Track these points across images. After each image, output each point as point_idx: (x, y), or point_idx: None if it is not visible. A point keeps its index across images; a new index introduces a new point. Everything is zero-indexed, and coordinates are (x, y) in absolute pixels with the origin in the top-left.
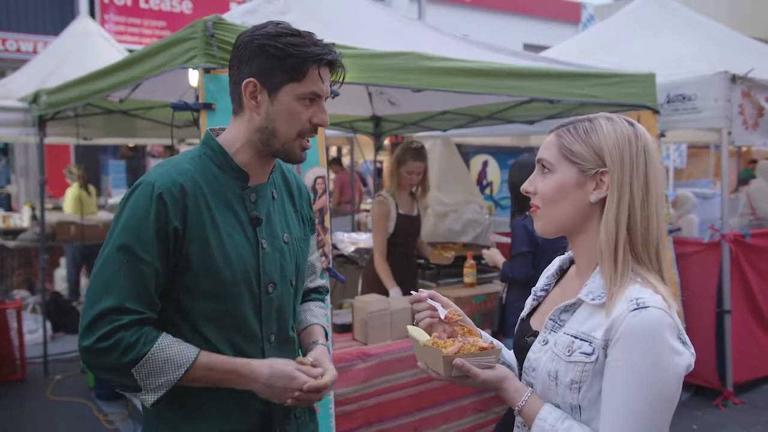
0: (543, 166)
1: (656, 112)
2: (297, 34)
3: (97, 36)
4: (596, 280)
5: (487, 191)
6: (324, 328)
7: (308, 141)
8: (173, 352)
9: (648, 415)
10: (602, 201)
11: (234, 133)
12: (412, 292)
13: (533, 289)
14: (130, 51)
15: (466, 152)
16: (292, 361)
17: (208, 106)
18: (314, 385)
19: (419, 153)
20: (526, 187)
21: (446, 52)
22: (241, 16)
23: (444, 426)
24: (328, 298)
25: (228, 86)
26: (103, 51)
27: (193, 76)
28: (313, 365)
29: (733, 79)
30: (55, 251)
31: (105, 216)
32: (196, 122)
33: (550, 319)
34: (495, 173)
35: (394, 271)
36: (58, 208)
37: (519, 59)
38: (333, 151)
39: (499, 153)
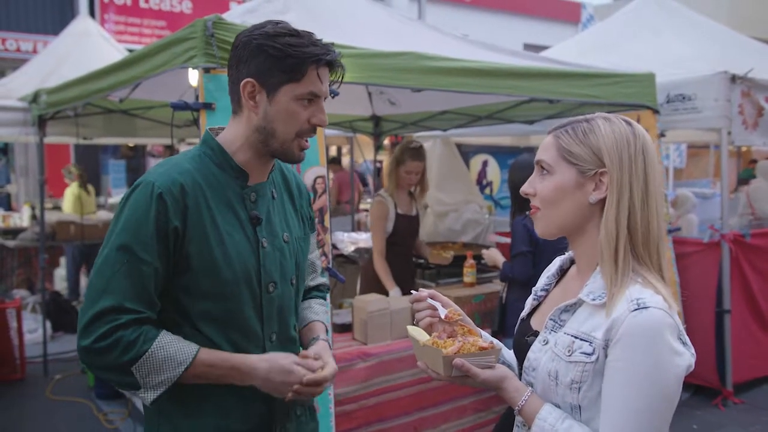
0: (542, 167)
1: (656, 112)
2: (295, 34)
3: (97, 36)
4: (597, 280)
5: (487, 191)
6: (325, 324)
7: (307, 141)
8: (173, 350)
9: (648, 415)
10: (602, 201)
11: (233, 132)
12: (412, 291)
13: (533, 288)
14: (130, 51)
15: (466, 152)
16: (291, 354)
17: (207, 106)
18: (314, 378)
19: (418, 153)
20: (525, 189)
21: (446, 51)
22: (240, 16)
23: (444, 425)
24: (328, 296)
25: (227, 86)
26: (102, 51)
27: (193, 76)
28: (315, 359)
29: (733, 79)
30: (54, 251)
31: (105, 215)
32: (195, 122)
33: (551, 319)
34: (495, 173)
35: (392, 270)
36: (57, 208)
37: (519, 59)
38: (333, 151)
39: (498, 153)
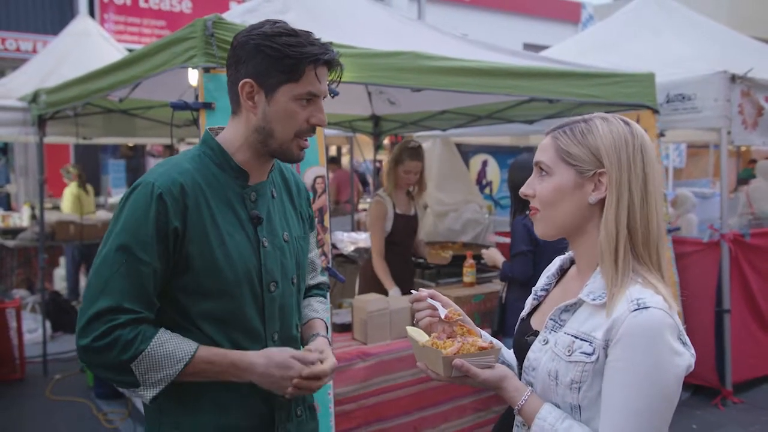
0: (541, 168)
1: (656, 111)
2: (293, 33)
3: (97, 35)
4: (597, 280)
5: (487, 191)
6: (325, 322)
7: (306, 140)
8: (172, 347)
9: (648, 416)
10: (601, 202)
11: (232, 132)
12: (412, 291)
13: (533, 288)
14: (130, 50)
15: (466, 152)
16: (288, 348)
17: (207, 106)
18: (313, 372)
19: (416, 152)
20: (524, 190)
21: (446, 51)
22: (240, 16)
23: (443, 425)
24: (328, 294)
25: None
26: (102, 50)
27: (193, 76)
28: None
29: (733, 78)
30: (54, 251)
31: (104, 215)
32: (195, 121)
33: (551, 319)
34: (494, 173)
35: (391, 270)
36: (57, 208)
37: (518, 59)
38: (333, 151)
39: (498, 152)
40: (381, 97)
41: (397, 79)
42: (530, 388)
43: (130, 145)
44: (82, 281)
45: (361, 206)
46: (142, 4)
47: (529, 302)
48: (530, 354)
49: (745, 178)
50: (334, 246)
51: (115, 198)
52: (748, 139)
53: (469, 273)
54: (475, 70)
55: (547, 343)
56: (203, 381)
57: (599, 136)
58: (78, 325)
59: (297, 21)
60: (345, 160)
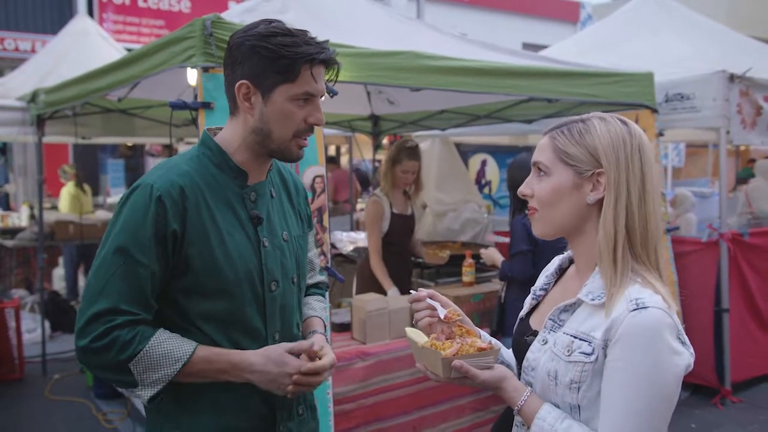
0: (539, 168)
1: (655, 111)
2: (288, 33)
3: (96, 35)
4: (596, 280)
5: (486, 190)
6: (323, 320)
7: (305, 139)
8: (170, 347)
9: (647, 415)
10: (600, 202)
11: (231, 133)
12: (411, 291)
13: (532, 288)
14: (129, 50)
15: (465, 151)
16: (282, 344)
17: (206, 105)
18: (312, 367)
19: (414, 152)
20: (523, 190)
21: (445, 51)
22: (239, 15)
23: (443, 425)
24: (327, 293)
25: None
26: (101, 50)
27: (192, 75)
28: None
29: (732, 78)
30: (53, 250)
31: (103, 215)
32: (194, 121)
33: (550, 319)
34: (493, 172)
35: (389, 270)
36: (56, 208)
37: (517, 58)
38: (332, 150)
39: (497, 152)
40: (380, 97)
41: (396, 78)
42: (529, 388)
43: (129, 144)
44: (81, 281)
45: (359, 206)
46: (140, 3)
47: (528, 302)
48: (529, 354)
49: (744, 177)
50: (333, 246)
51: (114, 198)
52: (747, 139)
53: (468, 272)
54: (474, 69)
55: (546, 343)
56: (202, 382)
57: (597, 136)
58: (77, 326)
59: (296, 20)
60: (344, 160)
